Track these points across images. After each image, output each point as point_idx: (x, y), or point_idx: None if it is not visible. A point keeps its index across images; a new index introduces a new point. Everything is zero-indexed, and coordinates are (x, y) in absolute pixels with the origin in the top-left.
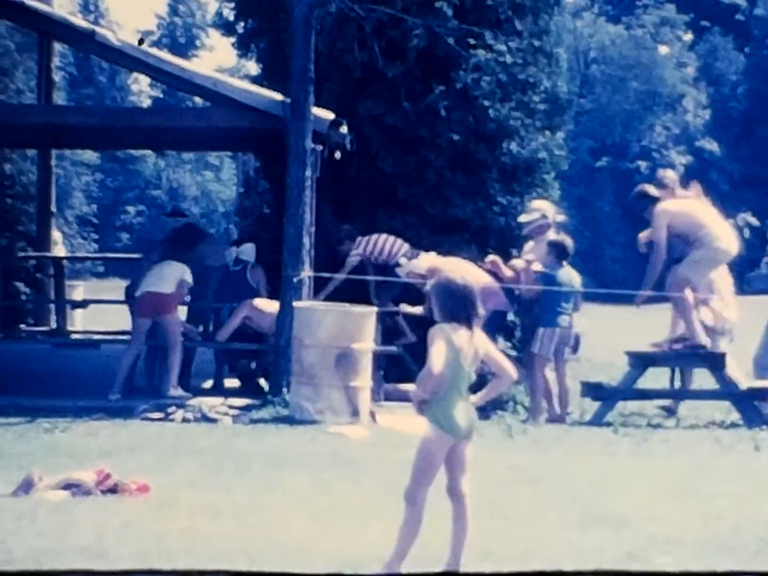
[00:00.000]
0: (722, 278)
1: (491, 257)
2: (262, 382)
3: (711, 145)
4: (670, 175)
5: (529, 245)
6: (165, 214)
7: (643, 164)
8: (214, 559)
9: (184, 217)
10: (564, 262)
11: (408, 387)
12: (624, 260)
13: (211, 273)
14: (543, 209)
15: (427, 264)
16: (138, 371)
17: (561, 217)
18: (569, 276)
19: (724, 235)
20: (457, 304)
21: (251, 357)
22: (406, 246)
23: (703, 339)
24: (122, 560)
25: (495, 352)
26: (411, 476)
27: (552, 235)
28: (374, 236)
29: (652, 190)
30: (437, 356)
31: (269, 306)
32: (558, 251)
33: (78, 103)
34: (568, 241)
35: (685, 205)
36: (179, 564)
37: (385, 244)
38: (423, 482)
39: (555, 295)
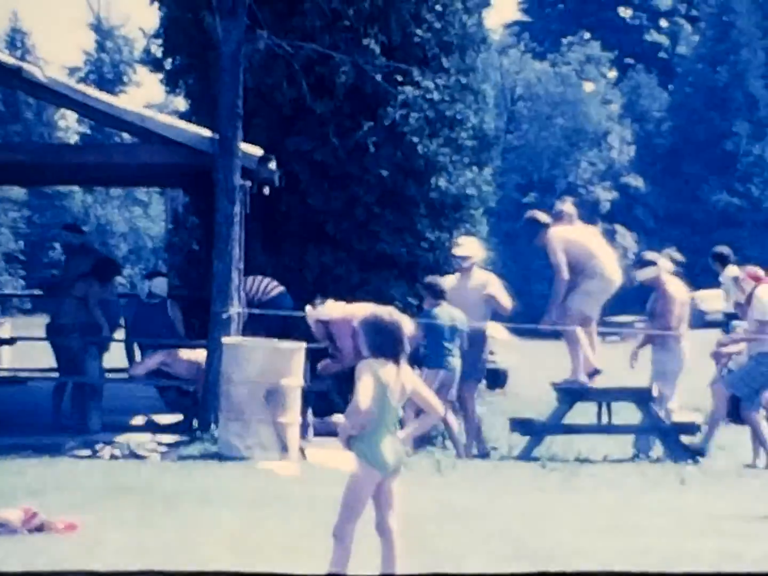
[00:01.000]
0: None
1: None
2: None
3: (636, 181)
4: (567, 208)
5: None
6: (63, 228)
7: (569, 200)
8: None
9: (81, 234)
10: (442, 301)
11: (336, 419)
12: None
13: (112, 305)
14: (475, 246)
15: (334, 312)
16: (65, 408)
17: (484, 254)
18: (450, 314)
19: (611, 265)
20: (385, 340)
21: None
22: (279, 287)
23: (582, 378)
24: None
25: (422, 388)
26: (339, 512)
27: (477, 271)
28: (250, 277)
29: (542, 216)
30: (364, 392)
31: (189, 354)
32: (433, 291)
33: (4, 139)
34: (441, 280)
35: (575, 233)
36: None
37: (260, 283)
38: (351, 518)
39: (437, 335)
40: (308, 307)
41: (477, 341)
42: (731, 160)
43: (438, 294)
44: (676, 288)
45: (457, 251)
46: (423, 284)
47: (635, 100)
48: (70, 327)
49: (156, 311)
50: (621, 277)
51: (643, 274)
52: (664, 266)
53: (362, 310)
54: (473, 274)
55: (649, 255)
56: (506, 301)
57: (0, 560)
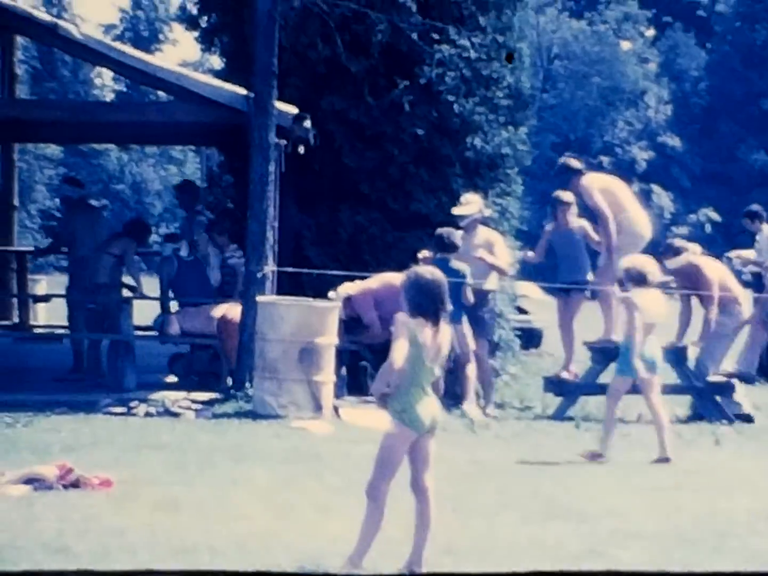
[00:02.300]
0: None
1: (423, 252)
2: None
3: (673, 141)
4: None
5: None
6: (62, 181)
7: (605, 159)
8: (176, 554)
9: (81, 188)
10: (449, 255)
11: None
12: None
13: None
14: (478, 203)
15: (350, 289)
16: (99, 366)
17: (488, 212)
18: (457, 267)
19: (642, 220)
20: (425, 299)
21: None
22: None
23: (616, 337)
24: (84, 555)
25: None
26: (373, 471)
27: (482, 229)
28: None
29: (575, 162)
30: (399, 351)
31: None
32: (440, 243)
33: (41, 96)
34: (450, 232)
35: (609, 183)
36: (140, 558)
37: None
38: (385, 477)
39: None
40: (330, 293)
41: (481, 300)
42: None
43: (445, 247)
44: (712, 269)
45: (455, 210)
46: (433, 236)
47: (672, 59)
48: (109, 286)
49: (193, 269)
50: (651, 232)
51: (674, 263)
52: (694, 251)
53: (377, 281)
54: (477, 233)
55: (678, 242)
56: (503, 262)
57: (35, 515)
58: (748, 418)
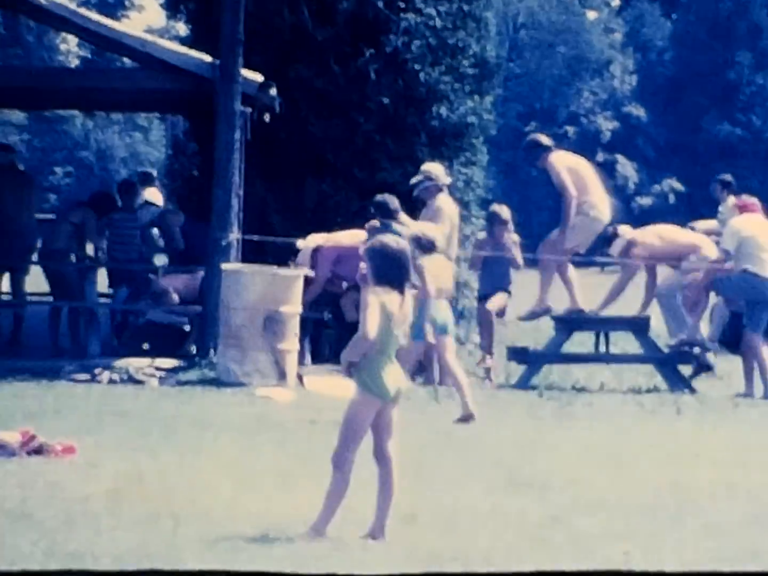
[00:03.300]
0: None
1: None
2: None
3: (638, 111)
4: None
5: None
6: None
7: (570, 129)
8: (139, 523)
9: (10, 152)
10: (391, 221)
11: None
12: (551, 224)
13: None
14: (430, 171)
15: (318, 239)
16: (62, 332)
17: (448, 180)
18: (399, 231)
19: (602, 204)
20: (391, 268)
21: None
22: None
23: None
24: (47, 522)
25: None
26: (338, 440)
27: (443, 197)
28: None
29: (544, 139)
30: (371, 321)
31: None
32: (381, 209)
33: (5, 62)
34: (391, 199)
35: (575, 163)
36: (103, 525)
37: None
38: (350, 446)
39: None
40: (300, 242)
41: None
42: (733, 90)
43: (385, 212)
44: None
45: (413, 180)
46: (372, 202)
47: (638, 29)
48: (64, 252)
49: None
50: (609, 216)
51: (616, 248)
52: (624, 230)
53: (347, 236)
54: (433, 202)
55: (612, 229)
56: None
57: None
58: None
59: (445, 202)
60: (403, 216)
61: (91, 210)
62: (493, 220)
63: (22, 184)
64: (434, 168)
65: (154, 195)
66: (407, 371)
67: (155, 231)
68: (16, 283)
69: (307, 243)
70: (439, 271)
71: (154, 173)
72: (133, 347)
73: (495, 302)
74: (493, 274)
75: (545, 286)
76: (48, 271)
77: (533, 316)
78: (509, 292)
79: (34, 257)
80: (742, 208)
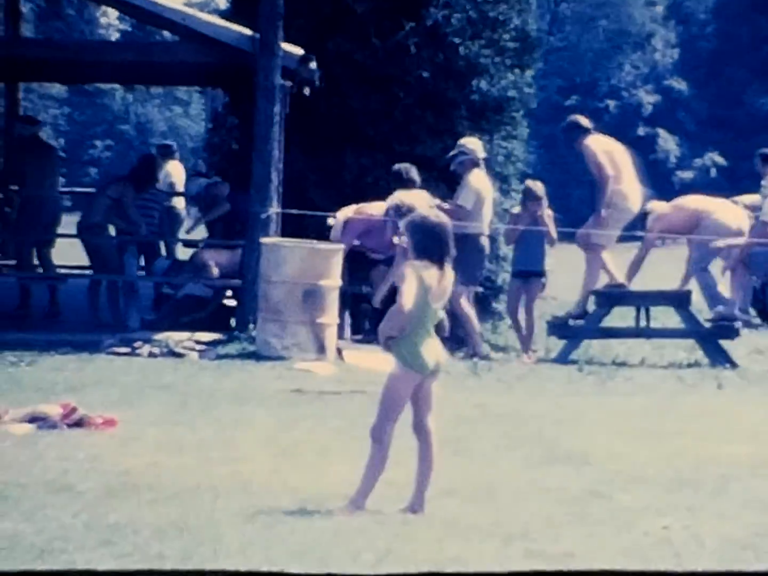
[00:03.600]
0: None
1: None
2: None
3: (679, 85)
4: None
5: None
6: (16, 119)
7: (611, 103)
8: (178, 495)
9: (33, 125)
10: (410, 190)
11: None
12: (591, 199)
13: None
14: (465, 145)
15: (348, 212)
16: (102, 305)
17: (483, 154)
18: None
19: (634, 194)
20: (431, 242)
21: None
22: None
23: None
24: (87, 494)
25: None
26: (377, 413)
27: (477, 172)
28: None
29: (584, 120)
30: (408, 294)
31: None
32: (398, 179)
33: (46, 36)
34: (408, 168)
35: (612, 148)
36: (143, 497)
37: None
38: (389, 419)
39: None
40: (329, 219)
41: (466, 244)
42: None
43: (403, 182)
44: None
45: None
46: (391, 171)
47: (680, 2)
48: (102, 226)
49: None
50: (639, 206)
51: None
52: (654, 206)
53: (376, 208)
54: (468, 176)
55: (648, 207)
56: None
57: (39, 454)
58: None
59: (476, 176)
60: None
61: (131, 184)
62: (527, 196)
63: (46, 157)
64: (470, 142)
65: (175, 168)
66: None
67: (180, 208)
68: (43, 257)
69: (338, 218)
70: None
71: (174, 146)
72: (171, 321)
73: (534, 293)
74: (528, 252)
75: (605, 266)
76: (87, 245)
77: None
78: (543, 274)
79: (67, 230)
80: None
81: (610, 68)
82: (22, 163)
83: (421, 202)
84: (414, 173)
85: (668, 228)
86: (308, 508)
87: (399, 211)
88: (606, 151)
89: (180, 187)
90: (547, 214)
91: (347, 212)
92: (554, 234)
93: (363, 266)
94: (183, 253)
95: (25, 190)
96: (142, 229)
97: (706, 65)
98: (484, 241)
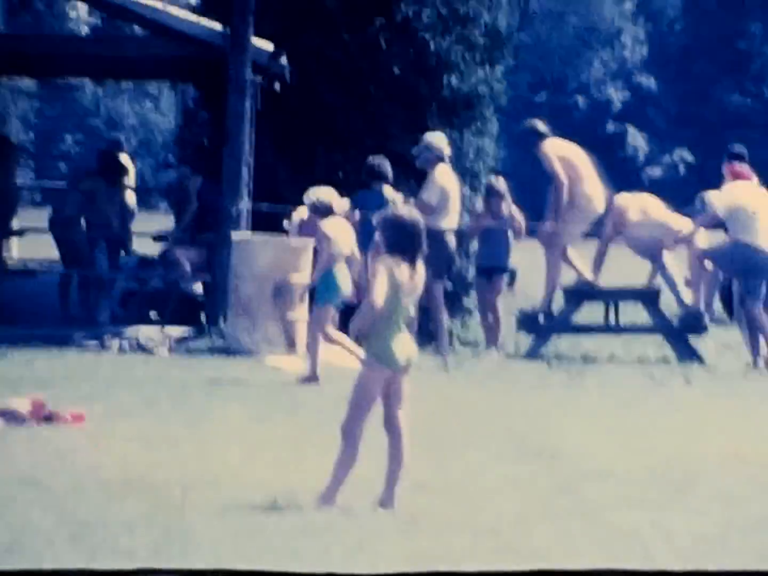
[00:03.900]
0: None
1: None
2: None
3: (648, 81)
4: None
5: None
6: None
7: (581, 99)
8: (149, 490)
9: None
10: (380, 183)
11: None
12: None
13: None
14: (431, 141)
15: (298, 215)
16: (72, 301)
17: (448, 150)
18: (388, 196)
19: (596, 193)
20: (403, 239)
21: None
22: None
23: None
24: (57, 488)
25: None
26: (347, 409)
27: (442, 167)
28: None
29: (541, 126)
30: (379, 289)
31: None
32: (369, 172)
33: (15, 30)
34: (379, 161)
35: (569, 152)
36: (113, 492)
37: None
38: (359, 415)
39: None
40: (285, 222)
41: (435, 239)
42: (744, 60)
43: (376, 175)
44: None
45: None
46: (363, 165)
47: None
48: (75, 220)
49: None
50: (604, 205)
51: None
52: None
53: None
54: (433, 172)
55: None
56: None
57: (8, 449)
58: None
59: (441, 172)
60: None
61: (102, 178)
62: (489, 192)
63: (2, 150)
64: (435, 138)
65: (125, 161)
66: (318, 336)
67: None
68: None
69: (294, 219)
70: (339, 235)
71: (122, 140)
72: (141, 315)
73: (497, 288)
74: (491, 248)
75: (572, 263)
76: (59, 239)
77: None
78: (506, 270)
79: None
80: (736, 175)
81: (579, 65)
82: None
83: (336, 199)
84: (387, 167)
85: (615, 222)
86: (278, 503)
87: (315, 208)
88: (562, 156)
89: (131, 181)
90: (512, 210)
91: (302, 213)
92: (521, 228)
93: None
94: (142, 247)
95: None
96: (114, 223)
97: (675, 62)
98: (450, 237)
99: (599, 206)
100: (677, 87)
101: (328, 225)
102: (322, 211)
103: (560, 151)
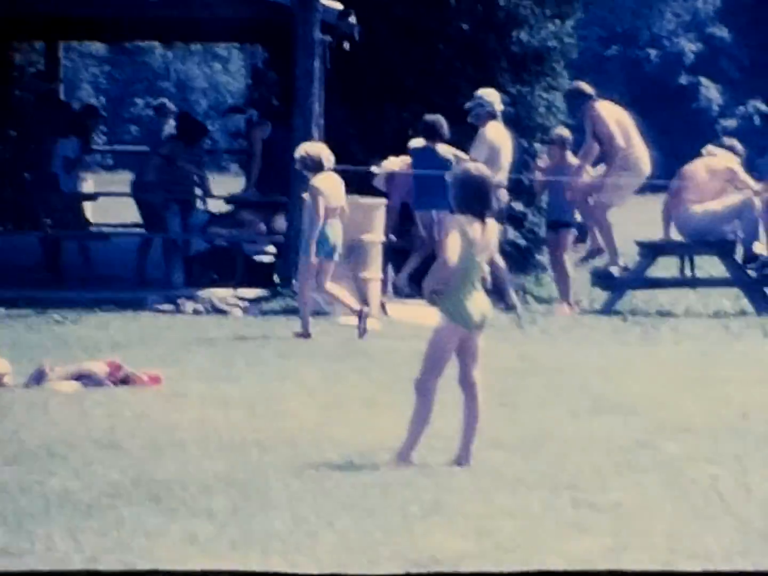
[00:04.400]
0: None
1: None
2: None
3: (721, 32)
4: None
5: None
6: (33, 76)
7: (653, 52)
8: (225, 450)
9: (49, 82)
10: (436, 142)
11: None
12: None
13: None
14: (482, 97)
15: (394, 164)
16: (152, 263)
17: (500, 106)
18: (443, 154)
19: (645, 157)
20: (472, 196)
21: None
22: None
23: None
24: (134, 451)
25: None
26: (422, 366)
27: (493, 124)
28: None
29: (586, 87)
30: (452, 247)
31: None
32: (425, 129)
33: None
34: (435, 119)
35: (620, 115)
36: (190, 453)
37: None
38: (433, 372)
39: (424, 176)
40: (374, 167)
41: None
42: None
43: (432, 134)
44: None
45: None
46: (421, 122)
47: None
48: (155, 185)
49: None
50: (650, 167)
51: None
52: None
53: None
54: (485, 128)
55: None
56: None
57: (86, 411)
58: None
59: (491, 128)
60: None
61: (181, 142)
62: (554, 143)
63: (61, 114)
64: (488, 93)
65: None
66: (304, 286)
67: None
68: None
69: (383, 167)
70: (330, 190)
71: (169, 103)
72: (211, 277)
73: (563, 244)
74: (557, 202)
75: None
76: (140, 204)
77: (589, 257)
78: (571, 225)
79: (112, 189)
80: None
81: (650, 16)
82: (38, 119)
83: (325, 152)
84: (441, 125)
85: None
86: (355, 462)
87: (304, 163)
88: (616, 120)
89: None
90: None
91: (393, 164)
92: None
93: (408, 220)
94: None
95: (39, 147)
96: (192, 185)
97: (748, 12)
98: (501, 194)
99: (647, 168)
100: (750, 37)
101: (318, 180)
102: (312, 166)
103: (614, 114)
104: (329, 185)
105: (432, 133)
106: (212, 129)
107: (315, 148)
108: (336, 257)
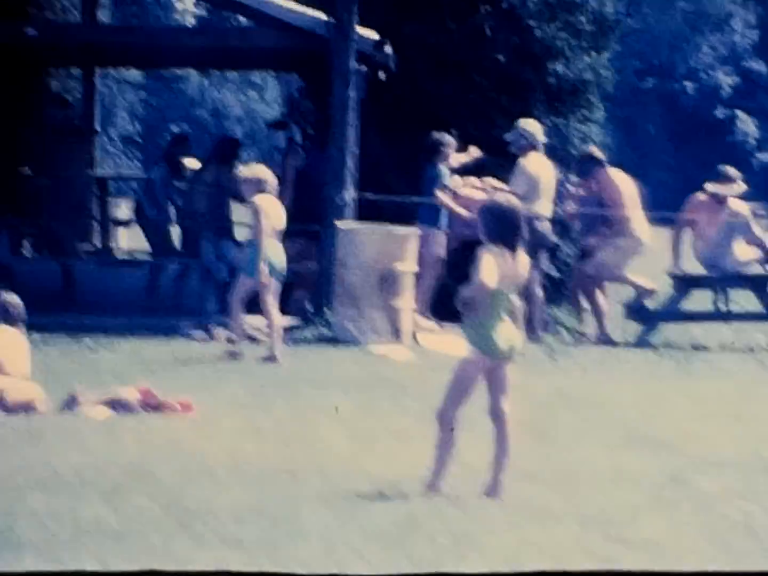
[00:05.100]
0: None
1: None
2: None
3: (758, 66)
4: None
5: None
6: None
7: (689, 85)
8: (257, 479)
9: (64, 108)
10: (439, 161)
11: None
12: (669, 182)
13: None
14: (524, 128)
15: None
16: (186, 292)
17: (543, 138)
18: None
19: (644, 226)
20: (502, 227)
21: None
22: None
23: (650, 284)
24: (166, 479)
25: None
26: (444, 396)
27: (533, 155)
28: None
29: (598, 153)
30: (487, 270)
31: None
32: (431, 147)
33: (122, 21)
34: (442, 137)
35: (626, 183)
36: (221, 482)
37: None
38: (455, 403)
39: (430, 193)
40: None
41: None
42: None
43: (430, 151)
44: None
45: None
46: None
47: None
48: (201, 214)
49: None
50: (650, 237)
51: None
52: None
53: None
54: (525, 159)
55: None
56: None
57: (117, 438)
58: None
59: (531, 160)
60: (454, 154)
61: (224, 166)
62: (590, 163)
63: (77, 140)
64: (528, 124)
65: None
66: (237, 303)
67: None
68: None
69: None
70: (271, 211)
71: (189, 135)
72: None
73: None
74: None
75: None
76: (187, 233)
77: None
78: None
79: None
80: None
81: (687, 50)
82: (54, 146)
83: (269, 176)
84: (443, 144)
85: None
86: (385, 492)
87: (249, 183)
88: (625, 187)
89: None
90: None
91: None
92: None
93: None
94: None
95: (55, 173)
96: (226, 211)
97: None
98: (542, 225)
99: (647, 237)
100: None
101: (260, 200)
102: (256, 187)
103: (623, 182)
104: (270, 206)
105: (431, 151)
106: (247, 156)
107: (257, 170)
108: (278, 276)
